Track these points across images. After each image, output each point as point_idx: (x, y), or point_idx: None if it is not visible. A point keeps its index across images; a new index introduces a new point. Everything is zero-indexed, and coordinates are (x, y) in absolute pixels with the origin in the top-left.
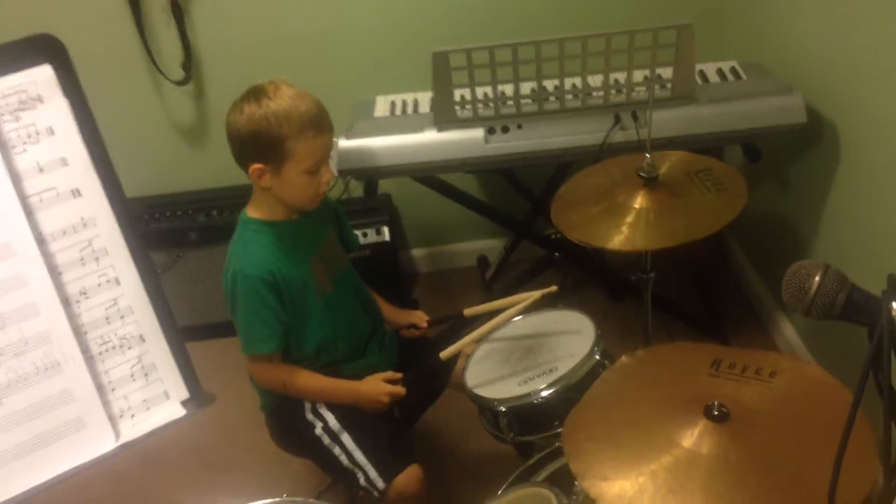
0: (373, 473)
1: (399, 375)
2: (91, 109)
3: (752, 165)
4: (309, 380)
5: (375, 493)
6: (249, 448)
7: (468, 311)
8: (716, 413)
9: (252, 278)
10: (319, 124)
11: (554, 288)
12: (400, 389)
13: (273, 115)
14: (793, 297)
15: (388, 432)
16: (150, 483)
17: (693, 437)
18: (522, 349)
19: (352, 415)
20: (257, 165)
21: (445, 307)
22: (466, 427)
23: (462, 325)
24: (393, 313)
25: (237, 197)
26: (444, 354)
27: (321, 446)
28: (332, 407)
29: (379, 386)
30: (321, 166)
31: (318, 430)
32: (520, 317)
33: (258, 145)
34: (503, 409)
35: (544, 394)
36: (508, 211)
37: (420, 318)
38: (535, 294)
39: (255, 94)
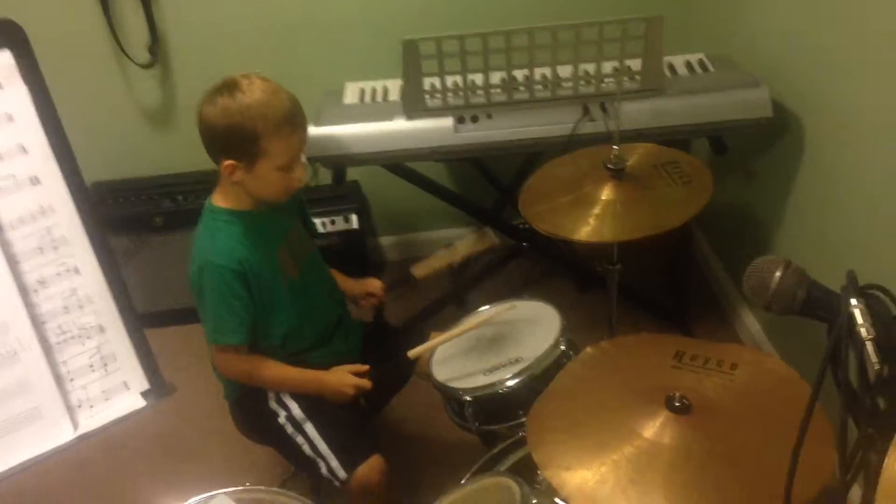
0: (334, 463)
1: (366, 368)
2: (51, 96)
3: (719, 157)
4: (275, 370)
5: (337, 483)
6: (212, 435)
7: (417, 273)
8: (677, 405)
9: (221, 268)
10: (294, 122)
11: (510, 306)
12: (365, 382)
13: (247, 111)
14: (754, 292)
15: (352, 422)
16: (111, 470)
17: (655, 428)
18: (488, 339)
19: (316, 404)
20: (229, 162)
21: (413, 295)
22: (432, 416)
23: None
24: (349, 284)
25: (203, 182)
26: (412, 354)
27: (284, 435)
28: (296, 396)
29: (345, 378)
30: (294, 163)
31: (282, 419)
32: (486, 307)
33: (231, 141)
34: (468, 399)
35: (509, 384)
36: (478, 200)
37: (375, 285)
38: (494, 311)
39: (229, 87)
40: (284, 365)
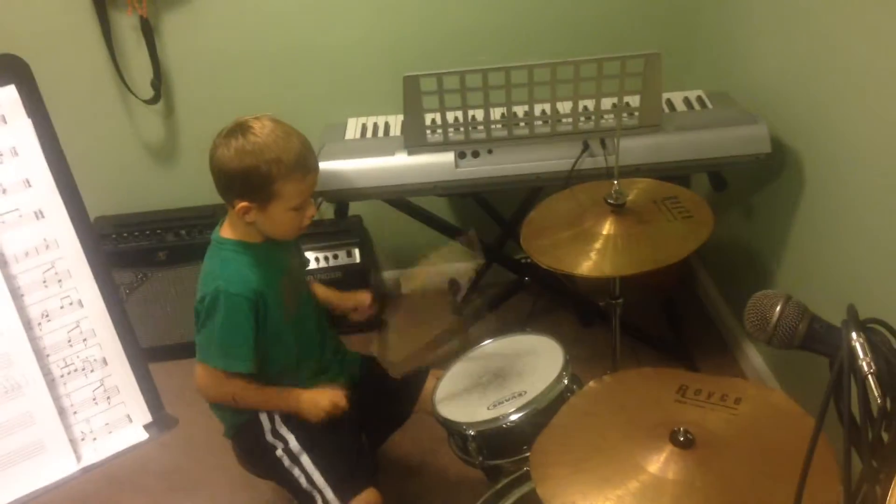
0: (330, 495)
1: (343, 390)
2: (55, 130)
3: (718, 193)
4: (255, 390)
5: None
6: (216, 470)
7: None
8: (681, 439)
9: (237, 297)
10: (306, 165)
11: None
12: (342, 400)
13: (261, 154)
14: (754, 327)
15: (349, 455)
16: None
17: (659, 463)
18: (491, 373)
19: (313, 436)
20: (243, 204)
21: (416, 330)
22: (435, 450)
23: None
24: (339, 298)
25: (206, 217)
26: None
27: (281, 468)
28: (293, 428)
29: (323, 393)
30: (306, 203)
31: (279, 452)
32: (490, 341)
33: (246, 185)
34: (472, 434)
35: (513, 418)
36: (480, 235)
37: (362, 298)
38: None
39: (243, 130)
40: (264, 385)
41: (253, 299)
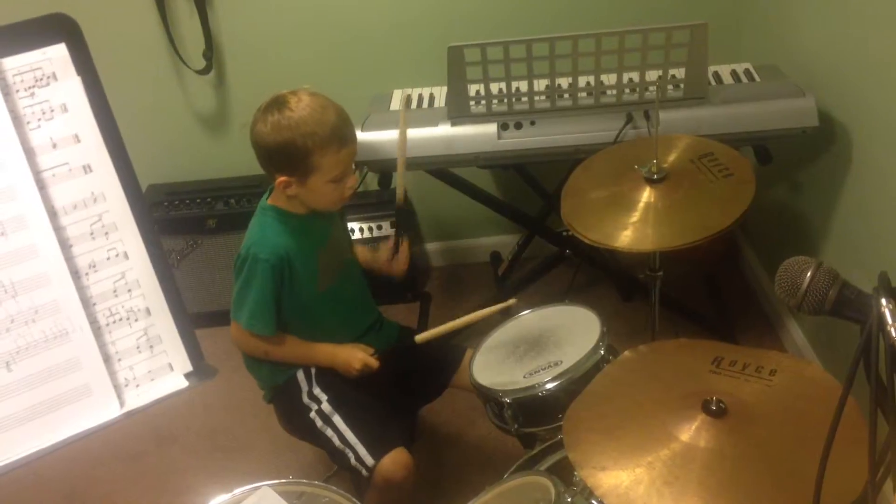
0: (362, 451)
1: (372, 350)
2: (103, 88)
3: (763, 167)
4: (288, 346)
5: (364, 472)
6: (260, 433)
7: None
8: (714, 408)
9: (264, 262)
10: (343, 137)
11: (512, 301)
12: (372, 361)
13: (297, 128)
14: (785, 291)
15: (380, 414)
16: (163, 463)
17: (691, 431)
18: (528, 343)
19: (345, 397)
20: (283, 178)
21: (458, 302)
22: (473, 419)
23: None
24: (371, 256)
25: (255, 186)
26: (418, 338)
27: (315, 429)
28: (325, 389)
29: (355, 352)
30: (346, 174)
31: (313, 413)
32: (528, 311)
33: (283, 158)
34: (508, 401)
35: (549, 386)
36: (522, 207)
37: (391, 242)
38: (494, 308)
39: (279, 105)
40: (298, 340)
41: (278, 266)
